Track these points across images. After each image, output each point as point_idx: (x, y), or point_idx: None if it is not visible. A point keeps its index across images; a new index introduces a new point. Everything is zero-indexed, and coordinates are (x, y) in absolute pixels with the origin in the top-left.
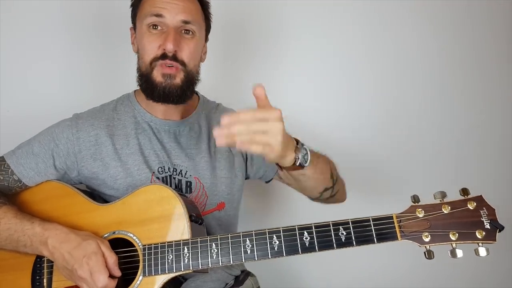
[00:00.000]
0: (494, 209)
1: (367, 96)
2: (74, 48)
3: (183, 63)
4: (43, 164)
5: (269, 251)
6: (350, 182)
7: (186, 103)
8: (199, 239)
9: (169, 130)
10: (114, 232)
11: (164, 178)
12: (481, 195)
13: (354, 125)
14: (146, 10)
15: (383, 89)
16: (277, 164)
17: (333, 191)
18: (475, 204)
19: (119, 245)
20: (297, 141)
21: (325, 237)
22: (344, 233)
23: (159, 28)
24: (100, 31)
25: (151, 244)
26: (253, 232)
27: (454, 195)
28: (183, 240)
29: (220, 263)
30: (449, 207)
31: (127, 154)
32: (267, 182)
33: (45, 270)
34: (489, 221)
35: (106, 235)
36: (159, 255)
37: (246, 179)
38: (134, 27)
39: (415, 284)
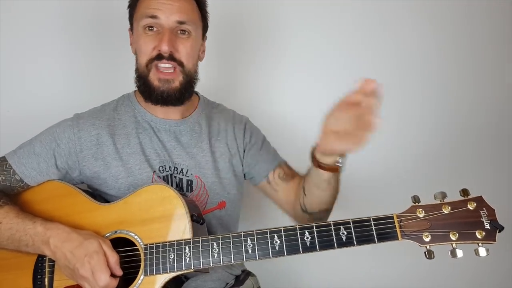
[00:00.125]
0: (494, 210)
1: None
2: (74, 48)
3: (181, 63)
4: (44, 163)
5: (270, 250)
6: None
7: (185, 104)
8: (200, 239)
9: (169, 129)
10: (115, 232)
11: (165, 177)
12: (481, 196)
13: None
14: (141, 12)
15: (384, 89)
16: (315, 161)
17: (326, 215)
18: (475, 204)
19: (121, 244)
20: None
21: (326, 237)
22: (345, 233)
23: (154, 29)
24: (100, 31)
25: (153, 244)
26: (255, 232)
27: (454, 196)
28: (184, 240)
29: (222, 263)
30: (449, 208)
31: (128, 154)
32: (255, 185)
33: (47, 270)
34: (489, 221)
35: (108, 234)
36: (161, 255)
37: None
38: (131, 29)
39: (415, 284)
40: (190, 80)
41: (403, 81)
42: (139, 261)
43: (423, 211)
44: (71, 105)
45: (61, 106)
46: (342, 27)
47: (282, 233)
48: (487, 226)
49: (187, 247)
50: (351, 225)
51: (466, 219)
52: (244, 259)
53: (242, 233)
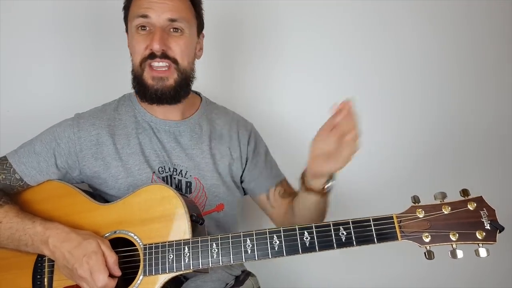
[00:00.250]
0: (494, 210)
1: (366, 96)
2: (74, 48)
3: (175, 61)
4: (44, 163)
5: (269, 251)
6: (351, 182)
7: (181, 102)
8: (199, 239)
9: (169, 130)
10: (115, 232)
11: (165, 178)
12: (481, 196)
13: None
14: (134, 12)
15: (382, 88)
16: (303, 185)
17: None
18: (475, 204)
19: (120, 244)
20: None
21: (325, 237)
22: (345, 233)
23: (147, 28)
24: (100, 31)
25: (152, 244)
26: (254, 232)
27: (454, 196)
28: (183, 240)
29: (221, 263)
30: (449, 208)
31: (128, 154)
32: (252, 196)
33: (46, 269)
34: (489, 221)
35: (107, 234)
36: (160, 255)
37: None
38: (126, 29)
39: (414, 284)
40: (185, 78)
41: (402, 81)
42: (139, 261)
43: (423, 212)
44: (71, 105)
45: (61, 106)
46: (341, 26)
47: (282, 233)
48: (488, 227)
49: (186, 247)
50: (351, 225)
51: (466, 219)
52: (243, 260)
53: (242, 234)
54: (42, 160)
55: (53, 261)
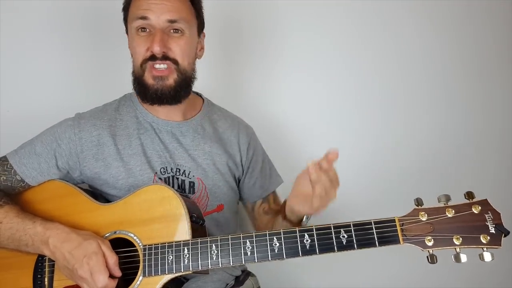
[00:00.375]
0: (499, 214)
1: (367, 97)
2: (74, 48)
3: (175, 62)
4: (45, 164)
5: (269, 253)
6: (352, 184)
7: (182, 102)
8: (199, 240)
9: (171, 130)
10: (115, 232)
11: (167, 179)
12: (486, 199)
13: (354, 126)
14: (133, 13)
15: (384, 90)
16: (283, 214)
17: None
18: (480, 208)
19: (121, 244)
20: None
21: (326, 240)
22: (345, 236)
23: (147, 30)
24: (100, 30)
25: (151, 245)
26: (254, 234)
27: (459, 199)
28: (183, 241)
29: (220, 265)
30: (453, 211)
31: (129, 155)
32: (240, 200)
33: (47, 269)
34: (494, 225)
35: (107, 234)
36: (159, 256)
37: None
38: (126, 30)
39: (414, 283)
40: (186, 78)
41: (404, 82)
42: (139, 261)
43: (426, 215)
44: (71, 105)
45: (61, 106)
46: (341, 27)
47: (282, 235)
48: (492, 231)
49: (185, 249)
50: (352, 228)
51: (471, 223)
52: (243, 261)
53: (241, 235)
54: (43, 161)
55: (53, 261)
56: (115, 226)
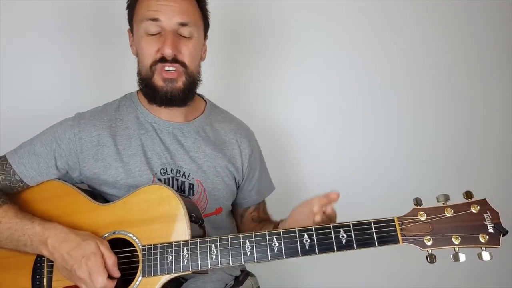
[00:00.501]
0: (498, 213)
1: (368, 97)
2: (74, 48)
3: (184, 65)
4: (44, 164)
5: (268, 253)
6: (352, 183)
7: (188, 105)
8: (198, 240)
9: (172, 131)
10: (114, 232)
11: (166, 180)
12: (485, 199)
13: (356, 126)
14: (142, 14)
15: (385, 90)
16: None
17: None
18: (478, 207)
19: (120, 244)
20: None
21: (325, 240)
22: (345, 236)
23: (156, 31)
24: (100, 30)
25: (151, 245)
26: (253, 234)
27: (457, 198)
28: (182, 241)
29: (220, 265)
30: (452, 211)
31: (129, 155)
32: (236, 207)
33: (45, 270)
34: (492, 225)
35: (106, 235)
36: (159, 256)
37: None
38: (131, 30)
39: (414, 283)
40: (193, 81)
41: (406, 83)
42: (138, 262)
43: (425, 214)
44: (71, 105)
45: (62, 106)
46: (345, 28)
47: (281, 235)
48: (491, 230)
49: (185, 249)
50: (351, 228)
51: (469, 222)
52: (242, 262)
53: (241, 235)
54: (42, 162)
55: (52, 261)
56: (114, 226)
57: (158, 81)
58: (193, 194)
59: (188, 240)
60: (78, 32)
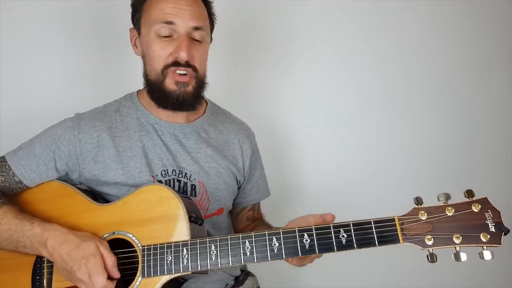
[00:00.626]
0: (499, 212)
1: (370, 97)
2: (73, 48)
3: (195, 69)
4: (44, 166)
5: (268, 253)
6: (352, 183)
7: (196, 108)
8: (198, 241)
9: (173, 132)
10: (113, 233)
11: (167, 182)
12: (486, 197)
13: (356, 126)
14: (155, 16)
15: (385, 90)
16: None
17: None
18: (480, 206)
19: (120, 245)
20: None
21: (325, 239)
22: (345, 236)
23: (169, 34)
24: (100, 30)
25: (150, 245)
26: (253, 234)
27: (458, 197)
28: (182, 241)
29: (219, 265)
30: (453, 210)
31: (129, 157)
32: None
33: (45, 270)
34: (494, 224)
35: (106, 235)
36: (158, 256)
37: None
38: (137, 30)
39: (414, 283)
40: (201, 85)
41: (407, 83)
42: (137, 262)
43: (426, 213)
44: (71, 105)
45: (61, 106)
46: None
47: (281, 235)
48: (492, 229)
49: (184, 249)
50: (351, 227)
51: (471, 221)
52: (242, 262)
53: (240, 235)
54: (42, 163)
55: (52, 262)
56: (114, 226)
57: (170, 84)
58: (195, 195)
59: (187, 241)
60: (78, 33)
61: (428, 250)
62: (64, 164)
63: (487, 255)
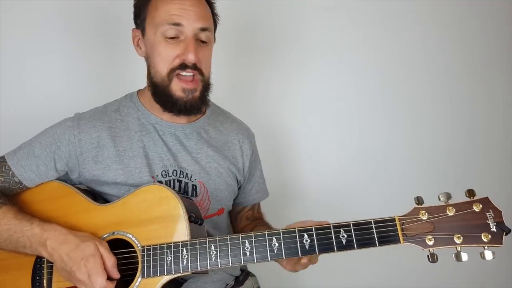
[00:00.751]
0: (500, 211)
1: (369, 96)
2: (74, 48)
3: (201, 73)
4: (44, 166)
5: (268, 253)
6: (352, 183)
7: (202, 110)
8: (197, 241)
9: (174, 132)
10: (113, 233)
11: (168, 182)
12: (487, 197)
13: (356, 125)
14: (161, 18)
15: (386, 90)
16: None
17: None
18: (481, 206)
19: (119, 245)
20: None
21: (325, 240)
22: (345, 236)
23: (175, 36)
24: (101, 30)
25: (150, 246)
26: (253, 234)
27: (459, 197)
28: (181, 242)
29: (219, 265)
30: (454, 209)
31: (129, 157)
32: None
33: (45, 271)
34: (495, 223)
35: (105, 235)
36: (158, 257)
37: None
38: (142, 31)
39: (414, 283)
40: (207, 88)
41: (408, 83)
42: (137, 262)
43: (427, 213)
44: (71, 105)
45: (61, 106)
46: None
47: (281, 235)
48: (493, 229)
49: (184, 249)
50: (352, 227)
51: (472, 221)
52: (242, 262)
53: (240, 236)
54: (42, 164)
55: (52, 262)
56: (113, 226)
57: (176, 91)
58: (196, 195)
59: (187, 241)
60: (78, 32)
61: (429, 250)
62: (64, 164)
63: (488, 255)
